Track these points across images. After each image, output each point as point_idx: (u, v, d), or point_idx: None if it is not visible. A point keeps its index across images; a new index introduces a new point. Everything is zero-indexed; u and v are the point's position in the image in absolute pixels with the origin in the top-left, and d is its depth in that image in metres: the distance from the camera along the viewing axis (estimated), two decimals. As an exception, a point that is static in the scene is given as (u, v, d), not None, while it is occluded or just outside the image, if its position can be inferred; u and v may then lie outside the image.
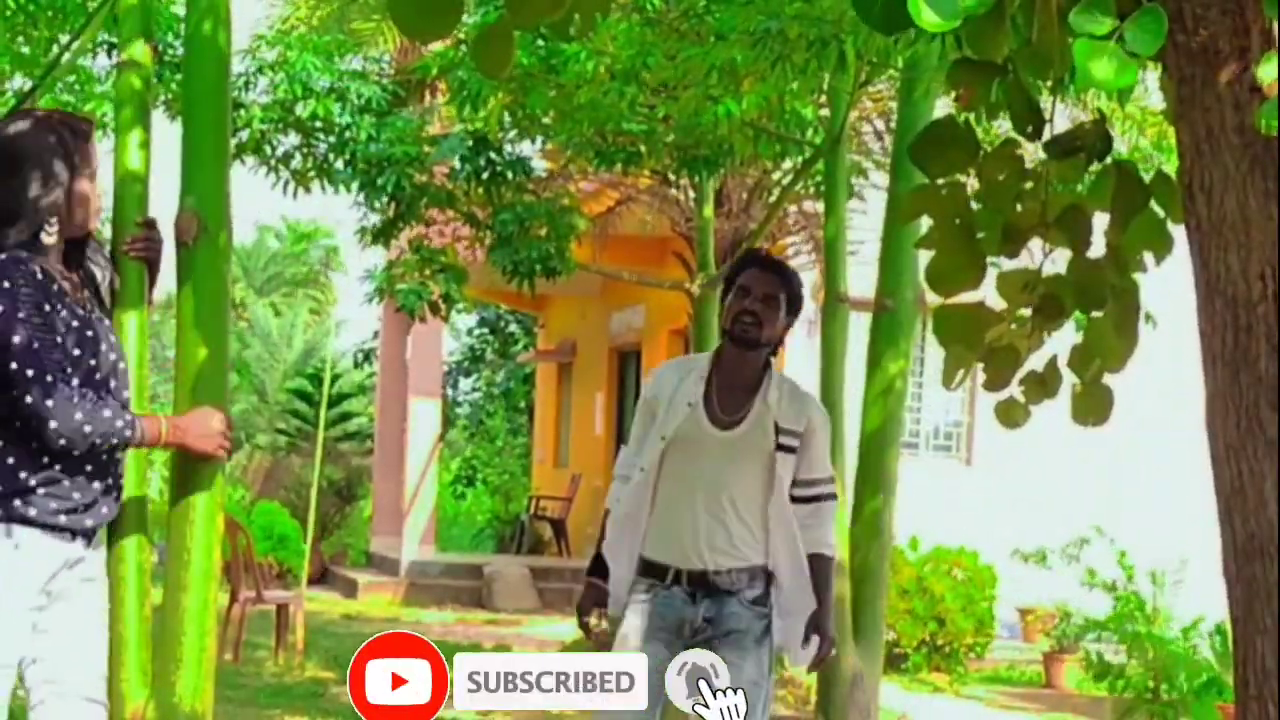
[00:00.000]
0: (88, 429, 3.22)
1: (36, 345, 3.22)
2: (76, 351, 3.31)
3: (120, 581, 3.65)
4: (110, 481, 3.41)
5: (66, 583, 3.35)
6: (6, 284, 3.23)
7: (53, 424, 3.19)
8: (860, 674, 6.83)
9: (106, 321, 3.48)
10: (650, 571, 4.28)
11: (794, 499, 4.30)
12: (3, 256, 3.29)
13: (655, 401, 4.32)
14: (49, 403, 3.19)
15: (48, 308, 3.28)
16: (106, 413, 3.26)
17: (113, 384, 3.40)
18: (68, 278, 3.42)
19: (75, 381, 3.26)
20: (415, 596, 15.60)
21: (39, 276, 3.30)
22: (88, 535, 3.39)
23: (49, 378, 3.21)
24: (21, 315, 3.22)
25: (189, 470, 3.75)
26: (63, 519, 3.30)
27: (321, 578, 16.99)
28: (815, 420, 4.34)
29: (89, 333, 3.37)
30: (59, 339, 3.28)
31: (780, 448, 4.25)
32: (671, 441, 4.23)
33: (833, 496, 4.38)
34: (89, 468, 3.34)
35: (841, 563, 6.86)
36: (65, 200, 3.37)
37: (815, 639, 4.28)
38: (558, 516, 18.05)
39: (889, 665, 9.86)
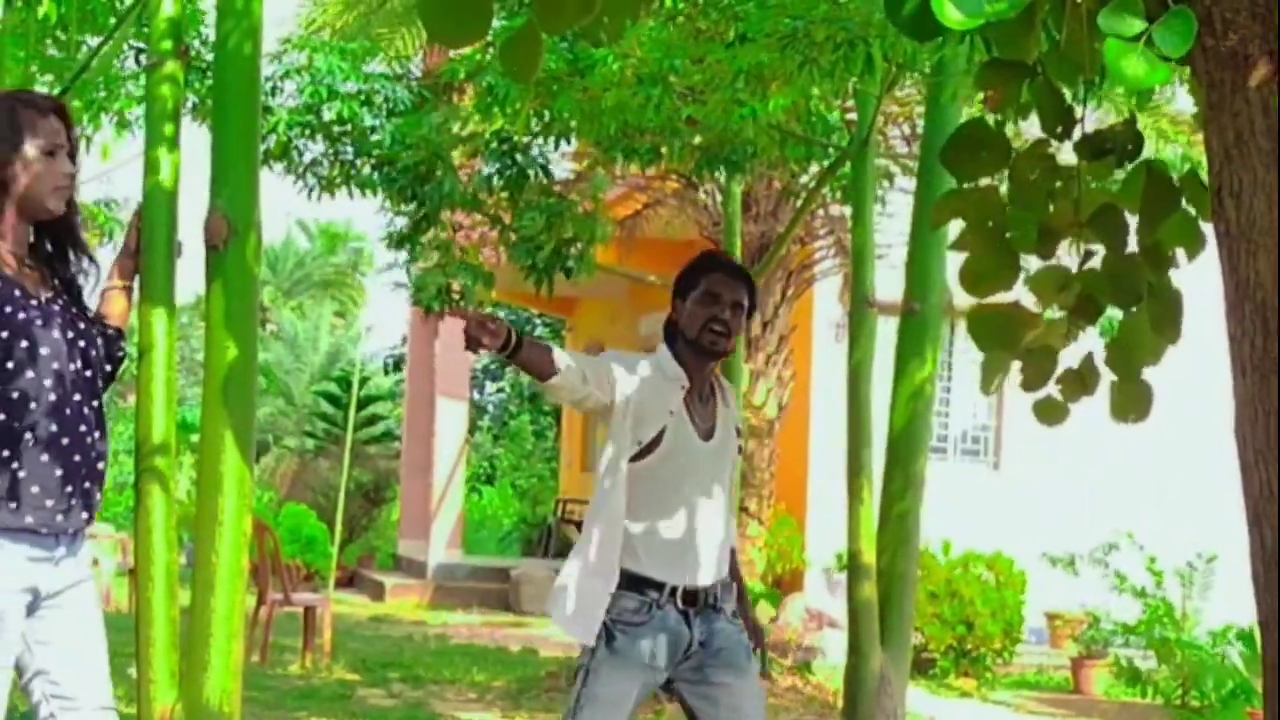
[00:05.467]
0: None
1: None
2: None
3: (148, 583, 3.67)
4: (82, 484, 3.26)
5: (60, 589, 3.24)
6: None
7: None
8: (888, 678, 6.80)
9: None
10: (641, 587, 3.92)
11: None
12: None
13: (626, 386, 3.92)
14: None
15: None
16: None
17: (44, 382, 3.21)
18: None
19: None
20: (442, 599, 15.64)
21: None
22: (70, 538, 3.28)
23: None
24: None
25: (217, 472, 3.77)
26: (29, 519, 3.16)
27: (350, 580, 17.05)
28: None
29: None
30: None
31: (740, 450, 4.21)
32: (655, 451, 3.94)
33: None
34: (59, 472, 3.20)
35: (870, 565, 6.86)
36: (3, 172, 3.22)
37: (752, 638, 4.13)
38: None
39: (916, 670, 9.83)
